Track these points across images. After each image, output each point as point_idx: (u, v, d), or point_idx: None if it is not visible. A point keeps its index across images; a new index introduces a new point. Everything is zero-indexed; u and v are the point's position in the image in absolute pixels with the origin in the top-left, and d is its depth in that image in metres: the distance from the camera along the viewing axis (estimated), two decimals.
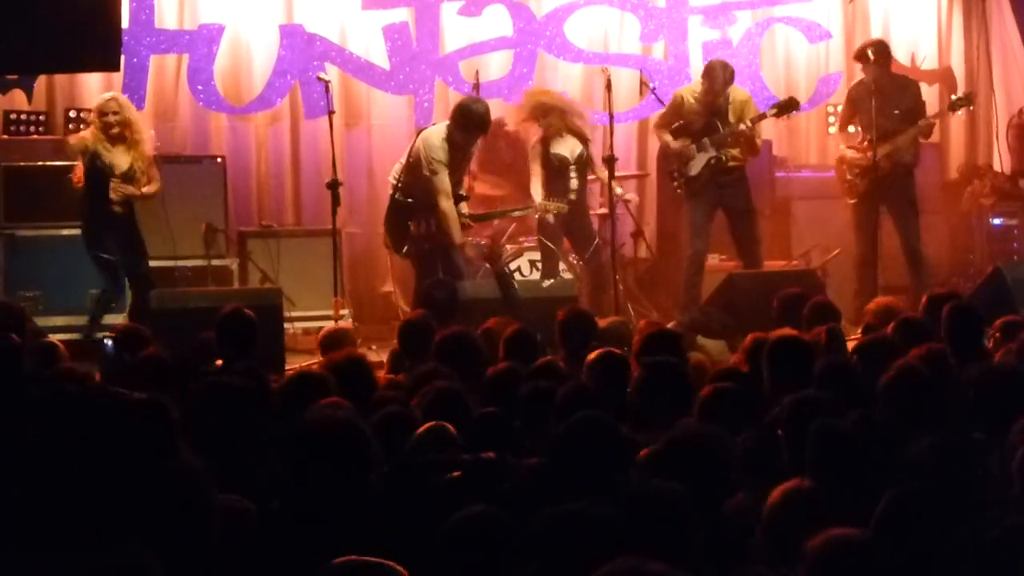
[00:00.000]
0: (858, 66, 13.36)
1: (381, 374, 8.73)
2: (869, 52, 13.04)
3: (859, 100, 13.14)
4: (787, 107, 13.07)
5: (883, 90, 12.97)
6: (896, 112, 13.00)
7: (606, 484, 5.14)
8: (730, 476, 5.44)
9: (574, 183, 12.98)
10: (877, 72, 13.00)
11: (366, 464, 4.75)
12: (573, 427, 5.42)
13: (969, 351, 7.95)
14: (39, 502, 4.65)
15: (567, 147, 12.93)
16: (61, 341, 9.48)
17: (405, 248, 12.28)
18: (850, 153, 13.24)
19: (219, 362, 8.22)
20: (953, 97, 13.92)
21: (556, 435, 5.48)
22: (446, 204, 11.89)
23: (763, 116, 12.95)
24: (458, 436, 5.99)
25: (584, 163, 13.02)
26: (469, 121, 11.96)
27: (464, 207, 12.22)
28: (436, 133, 12.07)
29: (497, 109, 14.94)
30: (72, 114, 13.61)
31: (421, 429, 5.98)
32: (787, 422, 5.83)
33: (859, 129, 13.23)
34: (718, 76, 12.82)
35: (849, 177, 13.26)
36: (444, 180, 11.91)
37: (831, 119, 15.44)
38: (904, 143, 12.97)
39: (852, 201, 13.29)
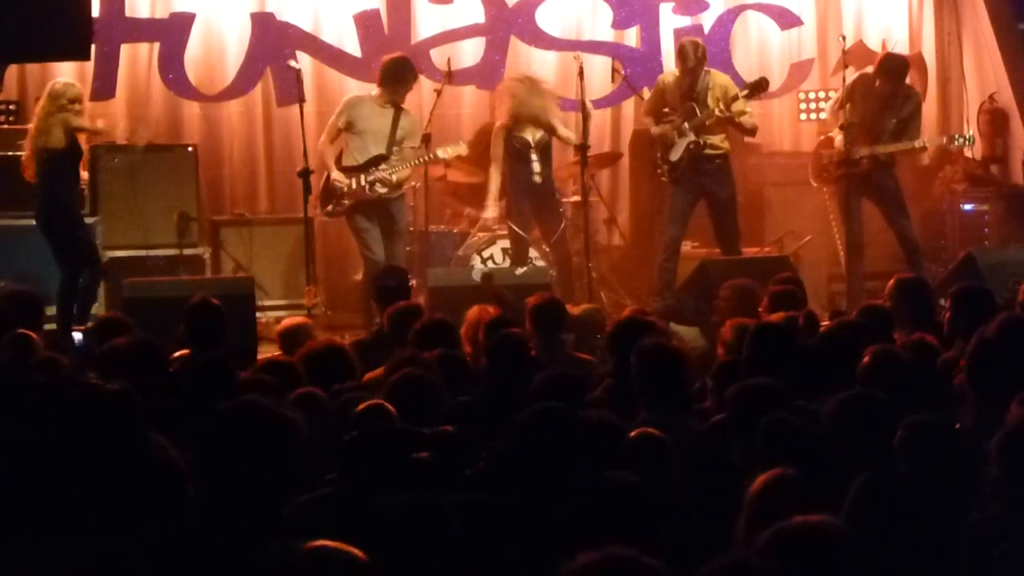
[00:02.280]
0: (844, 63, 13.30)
1: None
2: (895, 68, 13.08)
3: (861, 95, 13.07)
4: (758, 87, 13.03)
5: (888, 98, 13.00)
6: (894, 120, 13.00)
7: (566, 475, 5.13)
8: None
9: (536, 167, 12.98)
10: (894, 84, 13.02)
11: (287, 449, 4.75)
12: (534, 416, 5.41)
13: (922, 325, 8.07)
14: (15, 493, 4.65)
15: (528, 132, 12.96)
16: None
17: (330, 207, 12.63)
18: (839, 139, 13.12)
19: (185, 352, 8.22)
20: (956, 137, 13.92)
21: (518, 423, 5.46)
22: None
23: (735, 98, 12.90)
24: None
25: (546, 147, 13.02)
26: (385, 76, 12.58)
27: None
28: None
29: (470, 97, 15.02)
30: None
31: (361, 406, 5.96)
32: (732, 410, 5.85)
33: (847, 118, 13.08)
34: (689, 55, 12.82)
35: (825, 161, 13.26)
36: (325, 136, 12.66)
37: (803, 105, 15.48)
38: (891, 152, 12.99)
39: (820, 186, 13.33)
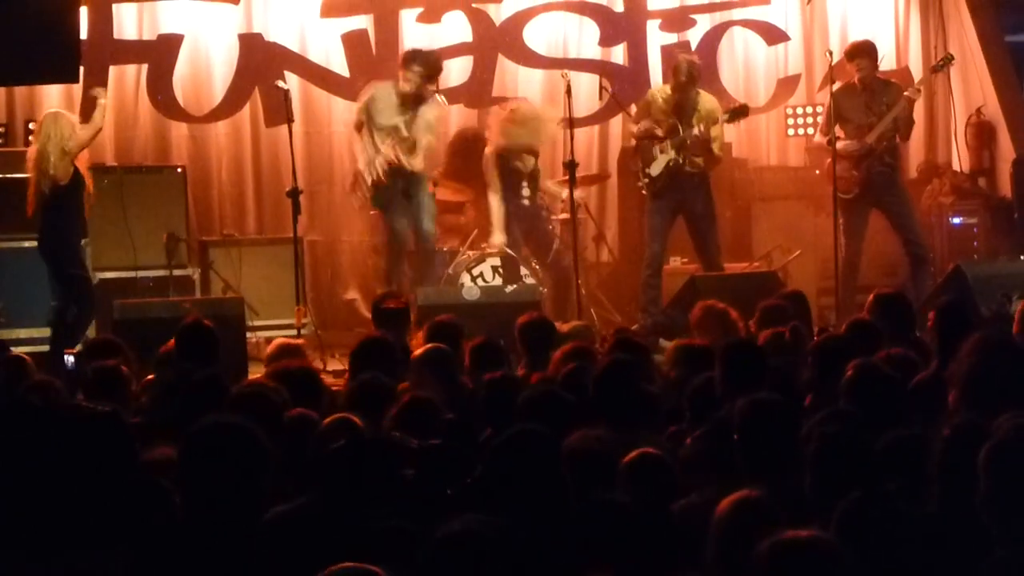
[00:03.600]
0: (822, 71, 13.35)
1: (342, 381, 8.74)
2: (859, 48, 13.20)
3: (847, 101, 13.10)
4: (738, 113, 13.08)
5: (871, 87, 13.08)
6: (884, 105, 13.07)
7: (546, 497, 5.14)
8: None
9: (526, 191, 13.12)
10: (868, 71, 13.08)
11: (259, 467, 4.80)
12: (512, 439, 5.38)
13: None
14: (6, 509, 4.69)
15: (522, 161, 13.07)
16: (26, 354, 9.42)
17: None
18: (840, 144, 13.08)
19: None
20: (938, 64, 14.02)
21: (492, 446, 5.45)
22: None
23: (715, 121, 12.96)
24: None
25: (536, 175, 13.16)
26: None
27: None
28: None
29: (458, 115, 15.03)
30: (32, 126, 13.52)
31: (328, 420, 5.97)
32: (741, 424, 5.82)
33: (844, 134, 13.10)
34: (683, 71, 12.85)
35: (841, 174, 13.18)
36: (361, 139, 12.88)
37: (790, 121, 15.51)
38: (890, 122, 13.03)
39: (847, 197, 13.15)
